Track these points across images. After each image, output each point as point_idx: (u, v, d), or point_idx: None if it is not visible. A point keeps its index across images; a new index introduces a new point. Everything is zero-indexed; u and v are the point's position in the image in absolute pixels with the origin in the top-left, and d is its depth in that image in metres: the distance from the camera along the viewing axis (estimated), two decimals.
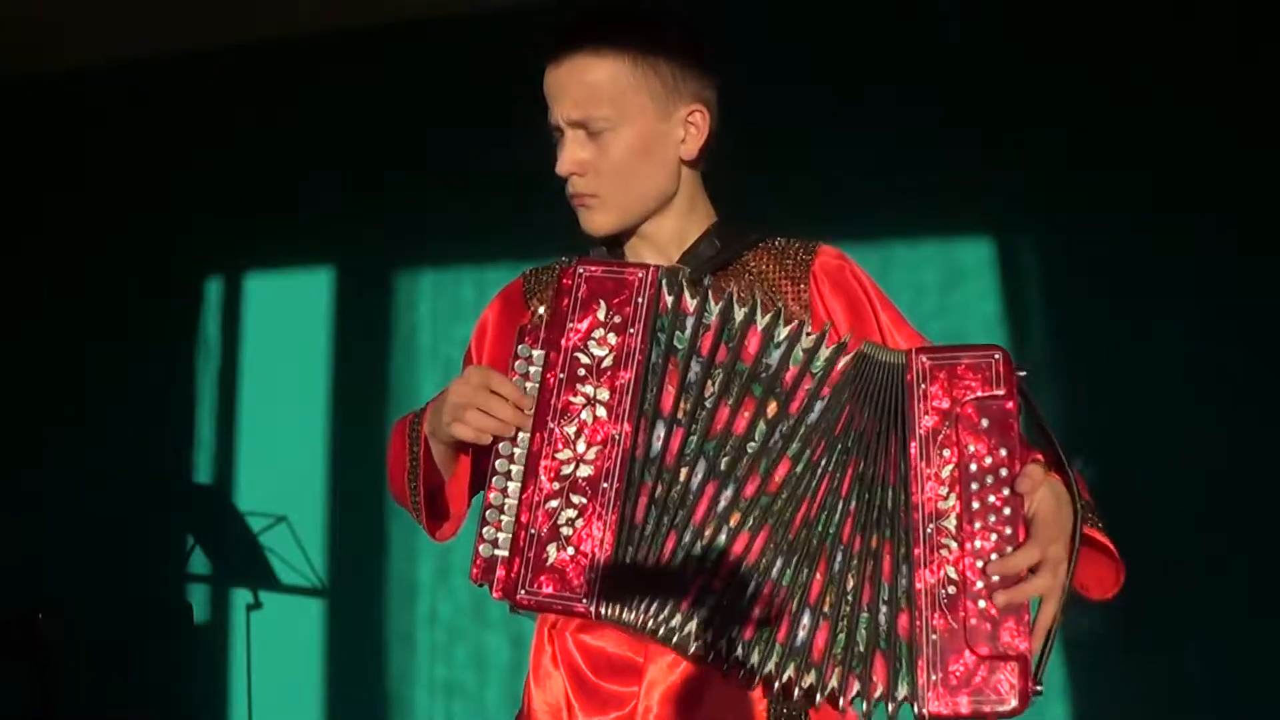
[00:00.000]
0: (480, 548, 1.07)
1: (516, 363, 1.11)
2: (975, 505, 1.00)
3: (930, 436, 1.02)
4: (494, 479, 1.08)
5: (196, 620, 3.38)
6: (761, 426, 1.06)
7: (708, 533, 1.05)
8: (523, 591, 1.03)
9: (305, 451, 3.26)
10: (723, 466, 1.05)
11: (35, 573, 3.39)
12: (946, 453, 1.01)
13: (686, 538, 1.05)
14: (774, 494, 1.05)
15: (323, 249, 3.35)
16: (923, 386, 1.03)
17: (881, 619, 1.02)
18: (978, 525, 0.99)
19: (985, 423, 1.01)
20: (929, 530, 1.01)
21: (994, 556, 0.98)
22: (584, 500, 1.04)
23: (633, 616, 1.03)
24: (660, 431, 1.06)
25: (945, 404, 1.02)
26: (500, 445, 1.09)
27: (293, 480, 3.26)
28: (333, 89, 3.30)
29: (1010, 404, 1.00)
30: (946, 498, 1.01)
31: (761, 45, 2.72)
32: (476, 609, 3.06)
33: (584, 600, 1.02)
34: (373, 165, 3.22)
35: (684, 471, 1.05)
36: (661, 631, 1.04)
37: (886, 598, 1.02)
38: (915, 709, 0.99)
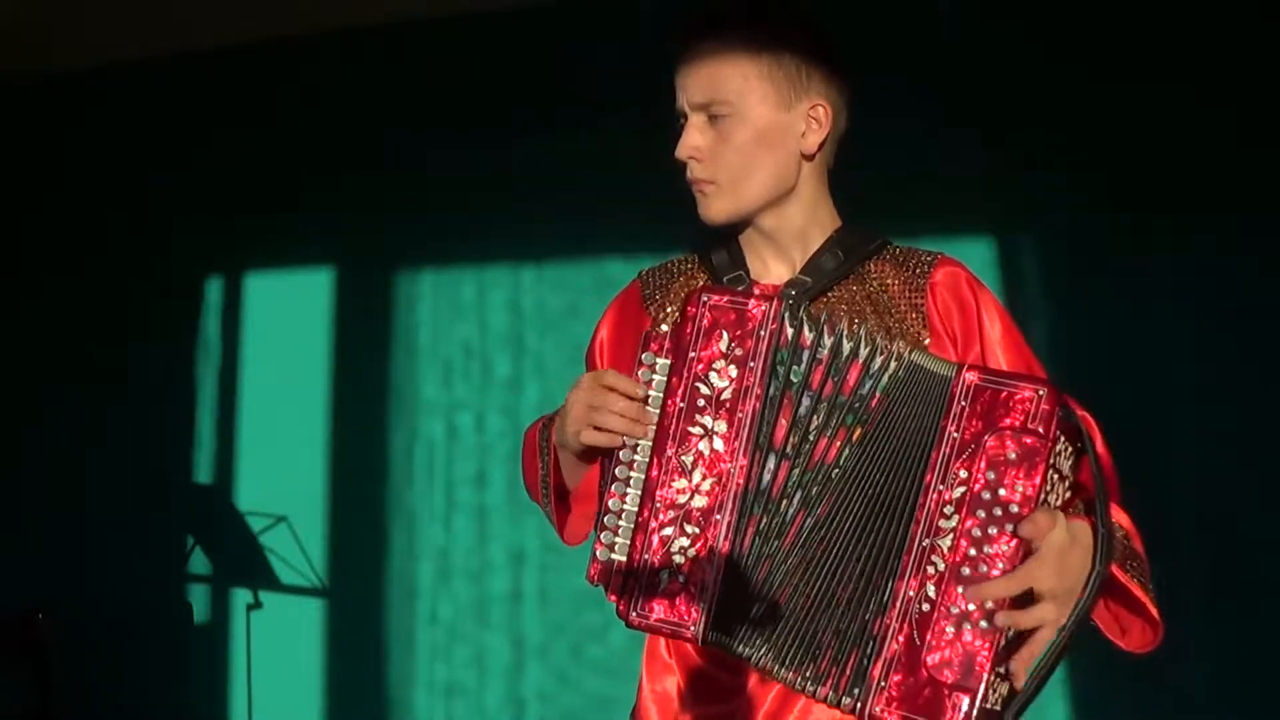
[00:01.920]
0: (598, 551, 1.12)
1: (640, 370, 1.14)
2: (976, 533, 0.98)
3: (953, 453, 1.00)
4: (613, 485, 1.12)
5: (196, 620, 3.39)
6: (847, 452, 1.07)
7: (792, 558, 1.07)
8: (634, 614, 1.09)
9: (305, 451, 3.26)
10: (813, 494, 1.08)
11: (35, 573, 3.39)
12: (964, 474, 0.99)
13: (777, 562, 1.08)
14: (841, 509, 1.07)
15: (323, 249, 3.35)
16: (962, 404, 1.01)
17: (867, 616, 1.03)
18: (971, 553, 0.98)
19: (1013, 456, 0.98)
20: (924, 544, 1.00)
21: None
22: (697, 530, 1.08)
23: (734, 644, 1.08)
24: (770, 464, 1.09)
25: (978, 426, 1.00)
26: (620, 451, 1.13)
27: (293, 480, 3.26)
28: (333, 89, 3.30)
29: (1042, 444, 0.97)
30: (950, 517, 1.00)
31: None
32: (477, 609, 3.06)
33: (692, 628, 1.07)
34: (373, 165, 3.22)
35: (784, 503, 1.08)
36: (753, 658, 1.08)
37: (872, 598, 1.03)
38: (856, 706, 1.01)
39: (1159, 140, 2.53)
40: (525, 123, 2.94)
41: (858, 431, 1.07)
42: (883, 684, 0.99)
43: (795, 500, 1.08)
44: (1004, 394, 1.00)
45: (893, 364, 1.07)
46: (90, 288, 3.53)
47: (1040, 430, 0.97)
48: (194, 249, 3.45)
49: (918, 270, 1.27)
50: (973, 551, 0.98)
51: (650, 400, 1.12)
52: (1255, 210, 2.47)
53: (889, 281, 1.26)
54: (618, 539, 1.10)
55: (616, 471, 1.12)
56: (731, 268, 1.31)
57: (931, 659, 0.98)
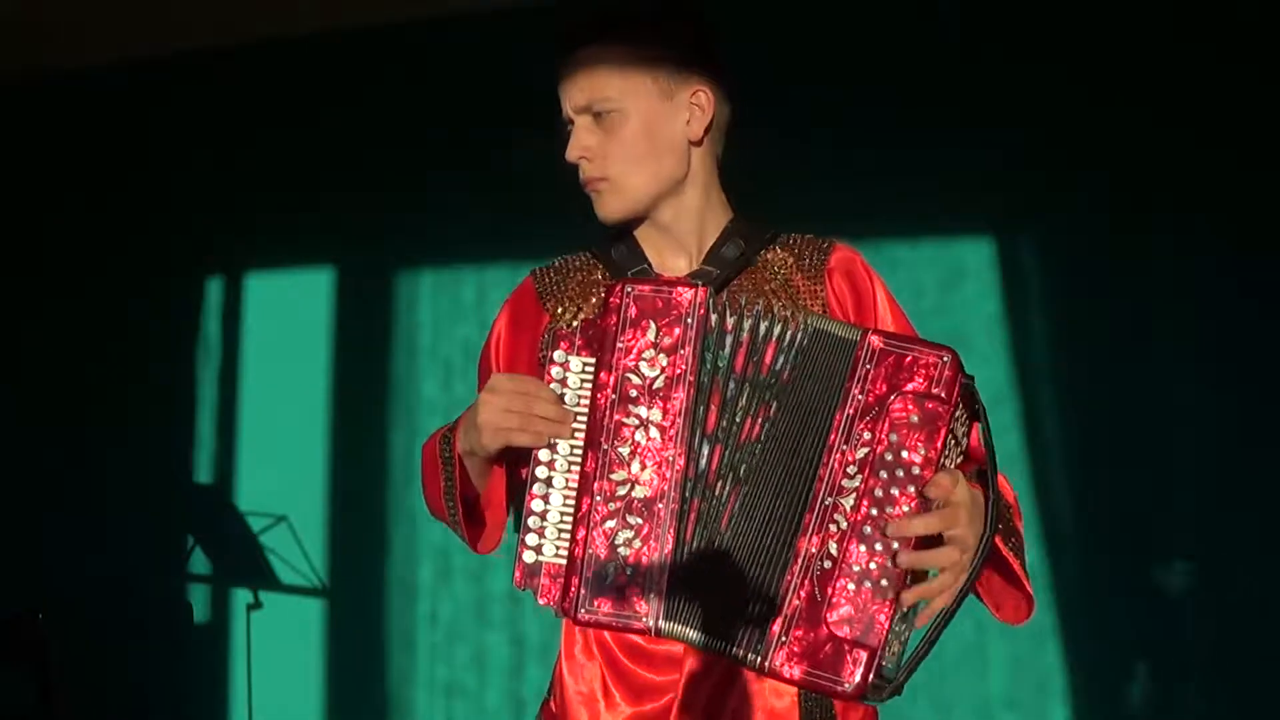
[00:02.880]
0: (524, 554, 1.10)
1: (553, 368, 1.12)
2: (878, 493, 1.00)
3: (857, 415, 1.02)
4: (534, 486, 1.11)
5: (196, 620, 3.39)
6: (768, 428, 1.08)
7: (727, 537, 1.08)
8: (582, 611, 1.07)
9: (305, 451, 3.26)
10: (742, 474, 1.08)
11: (35, 573, 3.39)
12: (867, 435, 1.01)
13: (716, 545, 1.08)
14: (762, 481, 1.08)
15: (323, 249, 3.35)
16: (867, 367, 1.03)
17: (773, 575, 1.04)
18: (874, 513, 1.00)
19: (915, 419, 1.00)
20: (826, 502, 1.02)
21: (878, 546, 0.99)
22: (640, 521, 1.07)
23: (685, 631, 1.07)
24: (705, 450, 1.09)
25: (882, 389, 1.02)
26: (539, 452, 1.11)
27: (293, 480, 3.26)
28: (332, 89, 3.30)
29: (944, 408, 0.99)
30: (853, 477, 1.01)
31: (761, 45, 2.72)
32: (477, 609, 3.06)
33: (644, 620, 1.06)
34: (373, 165, 3.22)
35: (719, 485, 1.09)
36: (695, 640, 1.07)
37: (779, 556, 1.04)
38: (759, 662, 1.02)
39: (1159, 140, 2.53)
40: (525, 123, 2.93)
41: (774, 405, 1.08)
42: (784, 639, 1.00)
43: (728, 481, 1.08)
44: (908, 358, 1.02)
45: (800, 335, 1.08)
46: (90, 288, 3.53)
47: (943, 395, 0.99)
48: (194, 249, 3.45)
49: (815, 257, 1.29)
50: (874, 511, 1.00)
51: (567, 398, 1.11)
52: (1255, 211, 2.47)
53: (787, 269, 1.29)
54: (544, 540, 1.10)
55: (537, 472, 1.11)
56: (633, 261, 1.32)
57: (832, 615, 0.99)
